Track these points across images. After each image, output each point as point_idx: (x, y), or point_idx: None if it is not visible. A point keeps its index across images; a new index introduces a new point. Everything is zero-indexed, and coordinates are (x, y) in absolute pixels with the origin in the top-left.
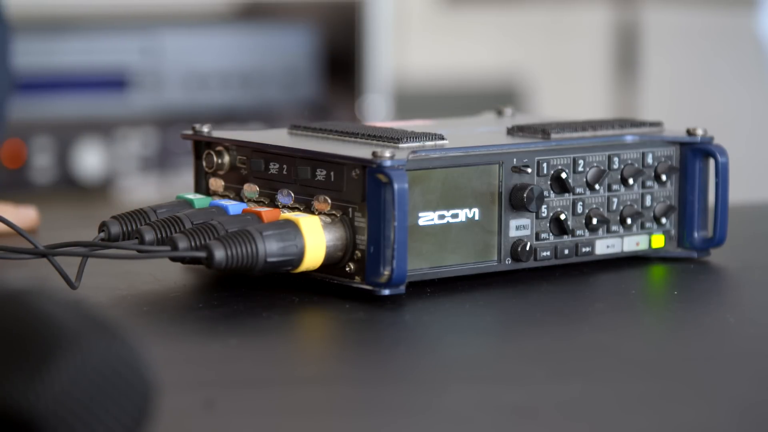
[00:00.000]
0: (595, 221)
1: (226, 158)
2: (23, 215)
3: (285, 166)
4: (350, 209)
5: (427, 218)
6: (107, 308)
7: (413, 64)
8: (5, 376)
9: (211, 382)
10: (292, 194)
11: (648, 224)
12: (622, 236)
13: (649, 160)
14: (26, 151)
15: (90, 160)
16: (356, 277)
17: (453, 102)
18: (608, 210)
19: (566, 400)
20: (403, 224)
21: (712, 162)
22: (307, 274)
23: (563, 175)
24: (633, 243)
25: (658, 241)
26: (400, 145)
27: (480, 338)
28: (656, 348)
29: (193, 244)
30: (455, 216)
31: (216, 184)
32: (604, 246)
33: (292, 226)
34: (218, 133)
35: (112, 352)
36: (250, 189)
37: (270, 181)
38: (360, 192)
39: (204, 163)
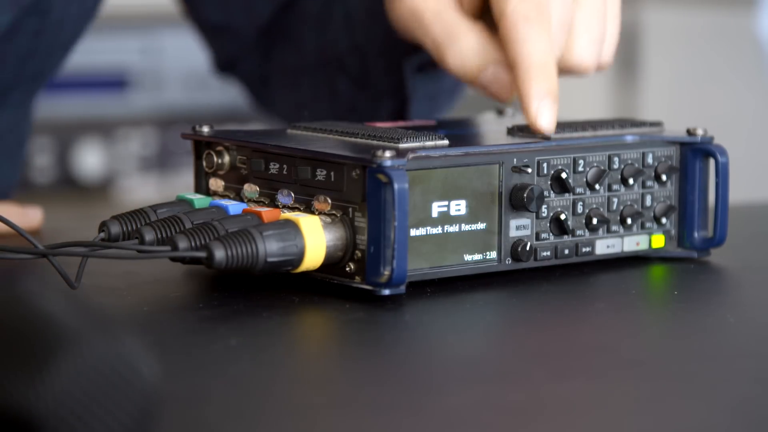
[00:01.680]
0: (595, 221)
1: (226, 158)
2: (30, 216)
3: (285, 166)
4: (350, 209)
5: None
6: (107, 308)
7: None
8: (5, 376)
9: (211, 382)
10: (292, 194)
11: (648, 224)
12: (622, 236)
13: (649, 160)
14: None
15: (90, 160)
16: (356, 277)
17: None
18: (608, 210)
19: (566, 400)
20: (403, 224)
21: (712, 162)
22: (307, 274)
23: (563, 175)
24: (633, 243)
25: (658, 241)
26: (400, 145)
27: (480, 338)
28: (656, 348)
29: (193, 244)
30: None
31: (216, 184)
32: (604, 246)
33: (292, 226)
34: (218, 133)
35: (112, 352)
36: (250, 189)
37: (270, 181)
38: (360, 192)
39: (204, 163)
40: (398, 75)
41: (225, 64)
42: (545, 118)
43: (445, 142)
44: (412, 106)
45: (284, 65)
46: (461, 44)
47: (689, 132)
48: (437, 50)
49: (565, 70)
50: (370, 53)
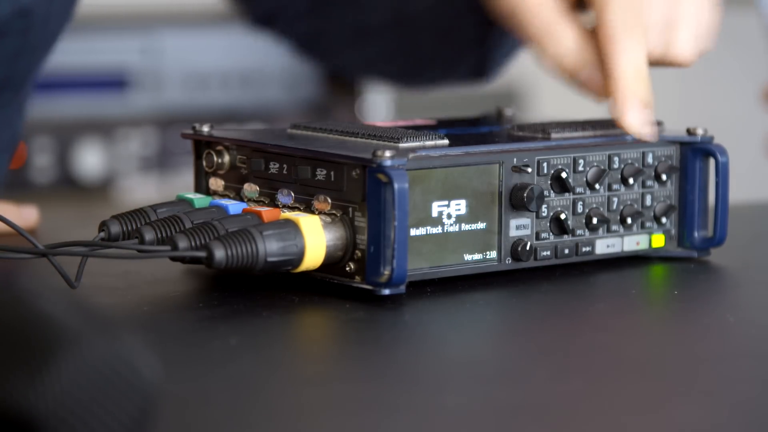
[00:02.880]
0: (595, 221)
1: (226, 158)
2: (25, 215)
3: (285, 165)
4: (350, 209)
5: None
6: (107, 308)
7: None
8: (5, 376)
9: (211, 382)
10: (292, 194)
11: (648, 224)
12: (622, 236)
13: (650, 159)
14: (26, 151)
15: (90, 160)
16: (356, 277)
17: (453, 102)
18: (608, 210)
19: (566, 400)
20: (403, 224)
21: (712, 161)
22: (307, 273)
23: (563, 175)
24: (633, 242)
25: (659, 240)
26: (401, 145)
27: (480, 338)
28: (656, 348)
29: (193, 243)
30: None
31: (216, 183)
32: (605, 246)
33: (293, 226)
34: (218, 133)
35: (112, 352)
36: (250, 189)
37: (270, 181)
38: (360, 192)
39: (204, 163)
40: (488, 29)
41: (261, 18)
42: (642, 127)
43: (445, 141)
44: (491, 59)
45: (345, 23)
46: (560, 43)
47: (689, 132)
48: (536, 45)
49: (666, 65)
50: (459, 10)
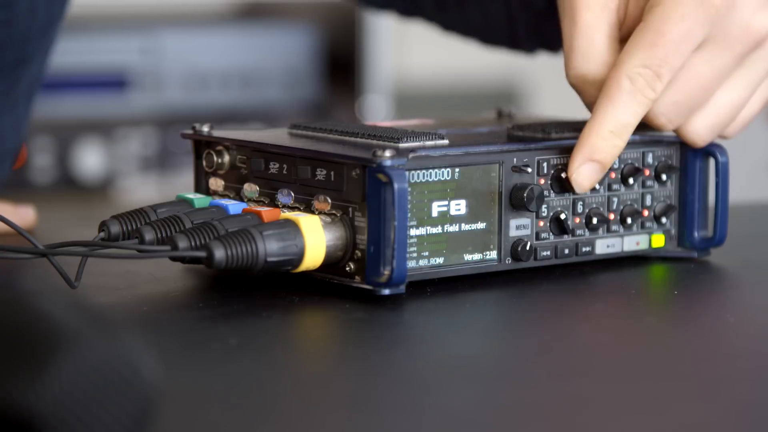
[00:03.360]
0: (595, 221)
1: (226, 158)
2: (22, 215)
3: (285, 165)
4: (350, 209)
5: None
6: (107, 308)
7: (413, 64)
8: (5, 376)
9: (211, 382)
10: (292, 194)
11: (648, 224)
12: (622, 236)
13: (650, 159)
14: (27, 152)
15: (90, 160)
16: (356, 277)
17: (453, 102)
18: (608, 209)
19: (566, 400)
20: (403, 224)
21: (712, 162)
22: (307, 273)
23: (563, 175)
24: (633, 242)
25: (658, 240)
26: (401, 145)
27: (480, 338)
28: (656, 348)
29: (193, 243)
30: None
31: (216, 183)
32: (604, 245)
33: (292, 226)
34: (218, 133)
35: (112, 352)
36: (250, 189)
37: (270, 181)
38: (360, 192)
39: (204, 163)
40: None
41: None
42: (581, 178)
43: (445, 141)
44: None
45: None
46: (585, 52)
47: None
48: (565, 37)
49: (676, 133)
50: None
